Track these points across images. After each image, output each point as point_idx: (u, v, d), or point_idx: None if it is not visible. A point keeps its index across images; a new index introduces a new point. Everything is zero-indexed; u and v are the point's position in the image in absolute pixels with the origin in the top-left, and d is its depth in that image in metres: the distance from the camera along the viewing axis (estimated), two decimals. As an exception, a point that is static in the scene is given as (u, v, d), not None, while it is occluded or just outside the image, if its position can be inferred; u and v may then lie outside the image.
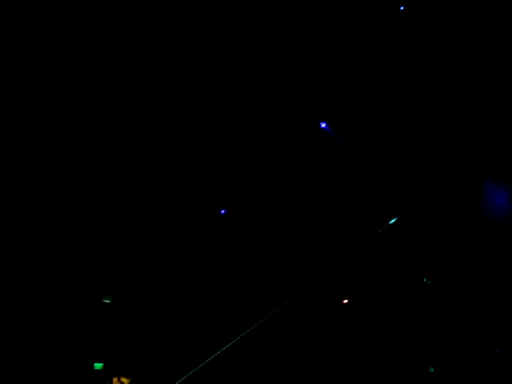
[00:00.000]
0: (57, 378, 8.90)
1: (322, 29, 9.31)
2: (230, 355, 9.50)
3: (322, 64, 9.55)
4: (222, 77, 9.43)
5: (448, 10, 9.28)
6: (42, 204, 9.05)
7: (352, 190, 10.03)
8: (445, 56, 9.56)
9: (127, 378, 9.45)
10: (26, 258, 8.99)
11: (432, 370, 9.81)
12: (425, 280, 9.68)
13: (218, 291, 9.83)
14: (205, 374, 9.41)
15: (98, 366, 9.32)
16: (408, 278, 9.94)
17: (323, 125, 9.42)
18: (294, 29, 9.37)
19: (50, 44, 8.44)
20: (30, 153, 8.89)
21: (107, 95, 8.98)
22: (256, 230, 9.93)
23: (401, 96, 9.74)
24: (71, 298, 9.30)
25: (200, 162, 9.63)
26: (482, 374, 9.44)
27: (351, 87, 9.67)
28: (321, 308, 9.97)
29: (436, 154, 9.89)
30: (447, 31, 9.38)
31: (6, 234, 8.84)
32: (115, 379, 9.40)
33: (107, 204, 9.37)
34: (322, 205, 10.03)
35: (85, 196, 9.21)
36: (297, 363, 9.72)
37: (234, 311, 9.76)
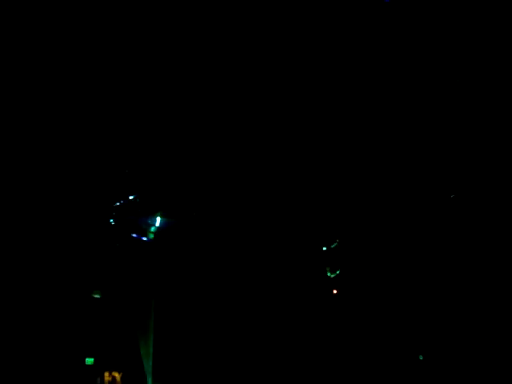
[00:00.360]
0: (48, 373, 8.84)
1: (322, 29, 9.29)
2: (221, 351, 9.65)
3: (322, 64, 9.53)
4: (222, 77, 9.38)
5: (448, 10, 9.30)
6: (41, 204, 9.01)
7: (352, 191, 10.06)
8: (445, 56, 9.58)
9: (118, 372, 9.50)
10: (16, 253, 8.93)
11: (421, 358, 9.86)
12: None
13: (209, 287, 9.82)
14: (199, 370, 9.53)
15: (89, 361, 9.29)
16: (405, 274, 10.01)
17: None
18: (294, 29, 9.34)
19: (49, 44, 8.36)
20: (30, 153, 8.82)
21: (107, 95, 8.92)
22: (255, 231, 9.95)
23: (401, 96, 9.75)
24: (61, 293, 9.23)
25: (200, 162, 9.60)
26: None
27: (351, 87, 9.65)
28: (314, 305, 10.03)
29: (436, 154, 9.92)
30: (447, 31, 9.40)
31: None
32: (106, 374, 9.44)
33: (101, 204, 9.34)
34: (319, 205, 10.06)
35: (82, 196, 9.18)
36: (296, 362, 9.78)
37: (226, 307, 9.79)
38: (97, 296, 9.45)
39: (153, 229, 9.51)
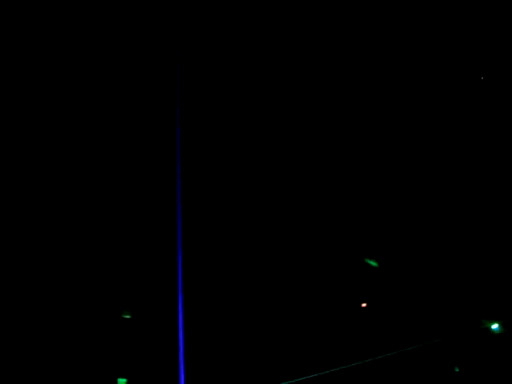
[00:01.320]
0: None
1: (322, 29, 9.48)
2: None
3: (322, 64, 9.68)
4: (222, 77, 9.55)
5: (448, 10, 9.46)
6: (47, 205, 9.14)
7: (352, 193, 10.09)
8: (445, 57, 9.72)
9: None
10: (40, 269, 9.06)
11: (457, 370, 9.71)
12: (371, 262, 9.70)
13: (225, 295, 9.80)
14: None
15: (122, 381, 9.28)
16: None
17: None
18: (294, 29, 9.53)
19: (49, 44, 8.62)
20: (30, 153, 9.00)
21: (107, 95, 9.13)
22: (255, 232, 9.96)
23: (401, 97, 9.87)
24: (94, 315, 9.30)
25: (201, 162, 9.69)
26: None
27: (351, 87, 9.78)
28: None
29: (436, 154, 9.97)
30: (447, 31, 9.55)
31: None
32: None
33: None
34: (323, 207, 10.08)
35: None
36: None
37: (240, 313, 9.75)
38: (127, 317, 9.51)
39: None
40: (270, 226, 9.84)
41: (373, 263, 9.62)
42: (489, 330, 9.43)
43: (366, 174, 9.94)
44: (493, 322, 9.38)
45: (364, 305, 10.05)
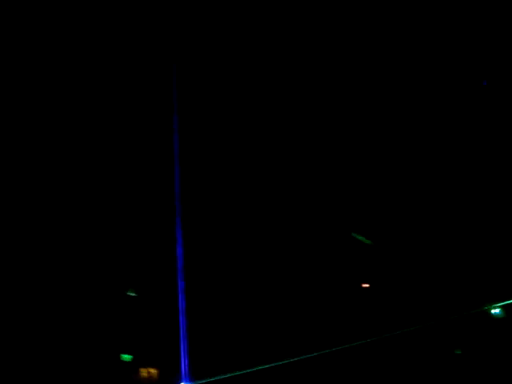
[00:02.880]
0: (84, 370, 9.07)
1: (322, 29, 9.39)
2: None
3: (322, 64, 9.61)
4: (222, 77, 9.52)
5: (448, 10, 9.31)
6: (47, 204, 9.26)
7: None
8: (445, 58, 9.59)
9: (155, 368, 9.66)
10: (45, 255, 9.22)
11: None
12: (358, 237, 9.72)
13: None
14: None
15: (127, 357, 9.48)
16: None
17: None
18: (294, 29, 9.45)
19: (49, 44, 8.62)
20: (30, 153, 9.08)
21: (107, 95, 9.14)
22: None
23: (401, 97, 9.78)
24: (96, 291, 9.47)
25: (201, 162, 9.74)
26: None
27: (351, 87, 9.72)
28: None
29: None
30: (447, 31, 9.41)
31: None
32: (144, 370, 9.61)
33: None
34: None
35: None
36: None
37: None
38: (132, 294, 9.66)
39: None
40: (265, 213, 9.90)
41: (362, 239, 9.64)
42: (490, 314, 9.46)
43: (363, 171, 9.93)
44: (494, 307, 9.41)
45: (366, 285, 10.11)
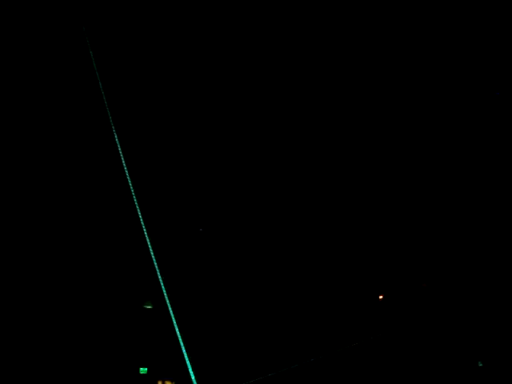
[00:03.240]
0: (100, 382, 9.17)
1: (321, 29, 9.40)
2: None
3: (322, 64, 9.62)
4: (222, 77, 9.56)
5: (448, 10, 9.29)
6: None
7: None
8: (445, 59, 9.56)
9: (171, 381, 9.72)
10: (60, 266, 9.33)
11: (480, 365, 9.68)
12: None
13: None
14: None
15: (143, 370, 9.56)
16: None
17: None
18: (294, 29, 9.47)
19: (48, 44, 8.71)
20: (30, 153, 9.16)
21: (107, 95, 9.21)
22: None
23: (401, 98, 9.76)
24: (114, 305, 9.56)
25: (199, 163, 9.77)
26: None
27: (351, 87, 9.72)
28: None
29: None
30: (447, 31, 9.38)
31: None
32: (159, 383, 9.68)
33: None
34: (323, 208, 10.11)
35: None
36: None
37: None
38: (148, 307, 9.75)
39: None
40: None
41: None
42: None
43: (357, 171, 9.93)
44: None
45: (381, 297, 10.08)
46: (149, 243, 9.53)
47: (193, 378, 9.25)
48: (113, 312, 9.56)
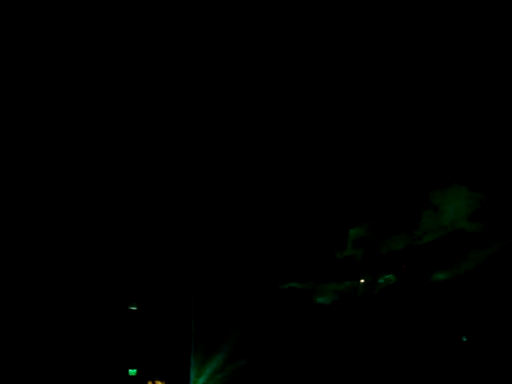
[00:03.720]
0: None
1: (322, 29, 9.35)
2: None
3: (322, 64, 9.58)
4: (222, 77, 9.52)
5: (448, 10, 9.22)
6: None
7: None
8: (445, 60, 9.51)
9: (161, 381, 9.67)
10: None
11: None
12: None
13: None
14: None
15: (132, 372, 9.50)
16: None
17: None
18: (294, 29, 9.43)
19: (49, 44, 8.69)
20: (30, 153, 9.15)
21: (107, 95, 9.18)
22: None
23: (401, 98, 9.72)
24: (100, 307, 9.51)
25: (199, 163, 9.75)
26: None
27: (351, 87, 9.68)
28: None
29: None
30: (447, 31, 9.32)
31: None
32: (150, 383, 9.62)
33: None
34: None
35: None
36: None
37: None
38: (133, 308, 9.69)
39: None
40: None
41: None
42: None
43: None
44: None
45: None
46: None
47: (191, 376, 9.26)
48: (99, 314, 9.50)
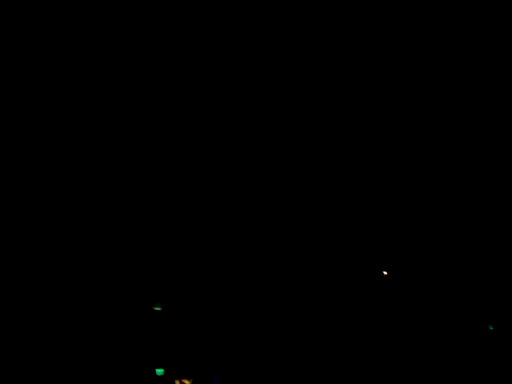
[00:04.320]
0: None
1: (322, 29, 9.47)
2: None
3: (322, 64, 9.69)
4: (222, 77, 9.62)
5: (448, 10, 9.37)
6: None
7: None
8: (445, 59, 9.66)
9: (188, 379, 9.74)
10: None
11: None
12: None
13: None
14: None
15: (160, 371, 9.57)
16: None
17: None
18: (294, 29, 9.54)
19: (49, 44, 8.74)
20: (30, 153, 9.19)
21: (107, 95, 9.24)
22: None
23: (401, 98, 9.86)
24: (126, 309, 9.59)
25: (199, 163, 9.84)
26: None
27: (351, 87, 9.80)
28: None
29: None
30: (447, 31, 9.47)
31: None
32: (177, 382, 9.68)
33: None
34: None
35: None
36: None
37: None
38: (158, 309, 9.77)
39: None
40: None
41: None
42: None
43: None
44: None
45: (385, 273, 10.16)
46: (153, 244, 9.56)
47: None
48: (122, 315, 9.56)
